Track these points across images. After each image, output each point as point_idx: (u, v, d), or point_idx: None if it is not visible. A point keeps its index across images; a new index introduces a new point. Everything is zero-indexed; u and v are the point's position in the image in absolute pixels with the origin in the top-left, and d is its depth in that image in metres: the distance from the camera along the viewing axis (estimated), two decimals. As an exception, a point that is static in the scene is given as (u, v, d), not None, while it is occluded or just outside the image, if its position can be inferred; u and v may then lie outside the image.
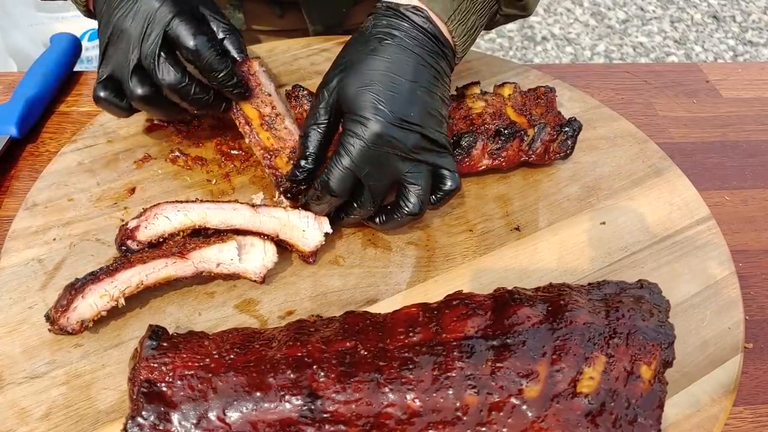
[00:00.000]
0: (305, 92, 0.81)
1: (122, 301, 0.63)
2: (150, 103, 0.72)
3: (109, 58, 0.72)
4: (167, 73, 0.69)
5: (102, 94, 0.72)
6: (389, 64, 0.67)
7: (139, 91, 0.70)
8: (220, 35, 0.78)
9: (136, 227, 0.67)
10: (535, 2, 0.77)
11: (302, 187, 0.70)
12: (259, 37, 1.06)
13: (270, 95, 0.78)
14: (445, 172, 0.69)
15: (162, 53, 0.69)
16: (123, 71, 0.71)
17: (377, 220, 0.71)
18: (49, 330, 0.62)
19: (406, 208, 0.68)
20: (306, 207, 0.70)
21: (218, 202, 0.70)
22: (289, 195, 0.71)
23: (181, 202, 0.69)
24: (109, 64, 0.72)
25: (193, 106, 0.73)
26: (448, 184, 0.69)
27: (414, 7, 0.69)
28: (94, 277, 0.62)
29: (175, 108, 0.74)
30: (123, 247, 0.67)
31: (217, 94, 0.74)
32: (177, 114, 0.76)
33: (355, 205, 0.69)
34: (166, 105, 0.73)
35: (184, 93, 0.71)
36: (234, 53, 0.79)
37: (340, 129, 0.68)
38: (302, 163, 0.69)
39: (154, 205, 0.69)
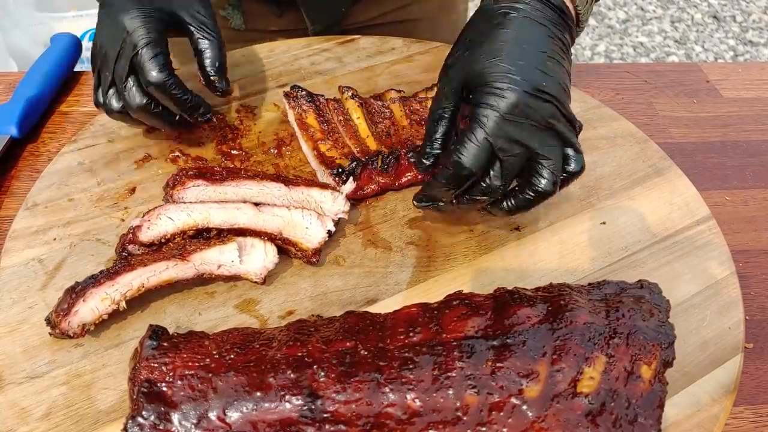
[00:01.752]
0: (303, 92, 0.82)
1: (123, 304, 0.63)
2: (125, 118, 0.77)
3: (96, 67, 0.76)
4: (132, 98, 0.73)
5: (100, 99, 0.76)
6: (518, 35, 0.64)
7: (113, 105, 0.75)
8: (201, 48, 0.76)
9: (139, 227, 0.67)
10: None
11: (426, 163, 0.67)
12: (259, 37, 1.06)
13: None
14: (571, 152, 0.65)
15: (129, 79, 0.72)
16: (103, 84, 0.75)
17: (505, 205, 0.66)
18: (50, 334, 0.62)
19: (540, 186, 0.63)
20: (428, 193, 0.68)
21: (221, 201, 0.70)
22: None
23: (185, 201, 0.70)
24: (98, 75, 0.76)
25: (162, 125, 0.77)
26: (573, 165, 0.65)
27: None
28: (94, 281, 0.62)
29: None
30: (124, 253, 0.67)
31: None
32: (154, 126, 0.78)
33: (484, 184, 0.64)
34: (138, 121, 0.77)
35: (151, 114, 0.74)
36: (207, 67, 0.76)
37: (467, 109, 0.65)
38: (429, 149, 0.66)
39: (157, 206, 0.69)
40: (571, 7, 0.69)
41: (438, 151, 0.66)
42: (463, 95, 0.66)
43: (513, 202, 0.66)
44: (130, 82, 0.72)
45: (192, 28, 0.76)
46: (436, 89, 0.69)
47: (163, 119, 0.76)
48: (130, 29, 0.71)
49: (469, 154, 0.62)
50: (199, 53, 0.76)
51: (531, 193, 0.64)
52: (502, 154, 0.62)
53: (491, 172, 0.63)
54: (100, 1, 0.77)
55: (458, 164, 0.62)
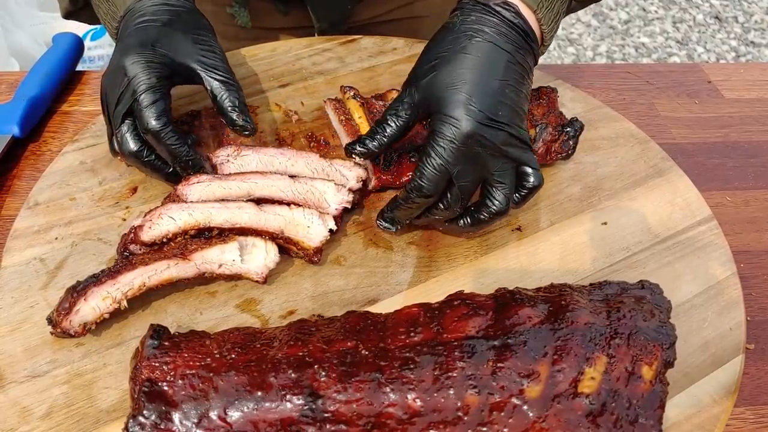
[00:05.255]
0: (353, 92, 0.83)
1: (125, 303, 0.63)
2: (132, 161, 0.75)
3: (104, 111, 0.75)
4: (125, 144, 0.72)
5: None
6: (480, 62, 0.66)
7: (115, 149, 0.74)
8: (216, 92, 0.74)
9: (140, 226, 0.67)
10: None
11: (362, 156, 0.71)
12: (265, 35, 1.06)
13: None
14: (528, 169, 0.68)
15: (123, 125, 0.71)
16: (107, 127, 0.75)
17: (461, 222, 0.70)
18: (51, 333, 0.62)
19: (494, 207, 0.67)
20: (387, 213, 0.71)
21: (222, 201, 0.70)
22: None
23: (186, 201, 0.70)
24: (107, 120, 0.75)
25: (155, 176, 0.75)
26: (531, 181, 0.68)
27: (504, 2, 0.69)
28: (96, 280, 0.62)
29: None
30: (125, 252, 0.67)
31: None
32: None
33: (442, 206, 0.68)
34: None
35: (143, 163, 0.73)
36: (228, 110, 0.74)
37: (424, 130, 0.68)
38: (368, 142, 0.69)
39: (158, 206, 0.69)
40: (536, 27, 0.71)
41: (375, 151, 0.70)
42: (420, 112, 0.69)
43: (469, 220, 0.69)
44: (124, 127, 0.71)
45: (202, 73, 0.74)
46: (397, 96, 0.71)
47: (156, 169, 0.73)
48: (130, 74, 0.70)
49: (427, 180, 0.65)
50: (214, 97, 0.74)
51: (485, 214, 0.68)
52: (458, 180, 0.66)
53: (448, 195, 0.67)
54: (115, 40, 0.77)
55: (419, 188, 0.66)
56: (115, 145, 0.73)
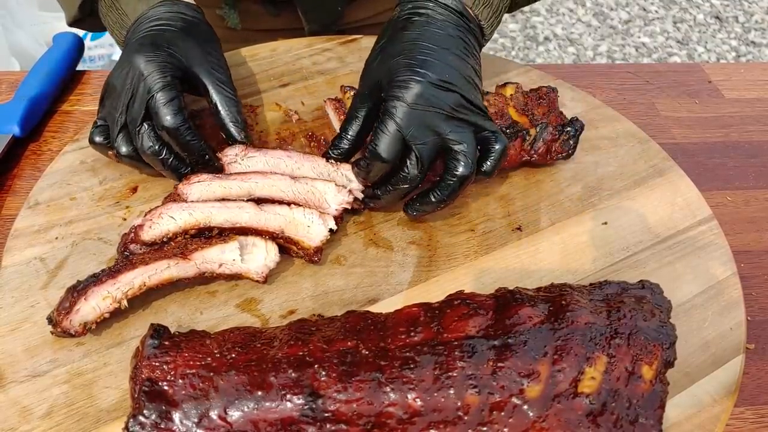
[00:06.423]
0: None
1: (125, 302, 0.63)
2: (133, 162, 0.74)
3: (104, 107, 0.75)
4: (146, 142, 0.71)
5: (97, 139, 0.75)
6: (419, 35, 0.69)
7: (123, 149, 0.73)
8: (222, 108, 0.76)
9: (141, 226, 0.67)
10: None
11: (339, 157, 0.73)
12: (255, 37, 1.06)
13: None
14: (489, 134, 0.69)
15: (144, 123, 0.71)
16: (112, 126, 0.74)
17: (431, 196, 0.69)
18: (52, 332, 0.62)
19: (457, 170, 0.67)
20: (364, 181, 0.73)
21: (223, 200, 0.70)
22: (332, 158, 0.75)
23: (186, 200, 0.70)
24: (103, 113, 0.75)
25: (170, 175, 0.74)
26: (497, 146, 0.69)
27: None
28: (96, 280, 0.62)
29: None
30: (126, 252, 0.67)
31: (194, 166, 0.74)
32: (160, 172, 0.75)
33: (403, 173, 0.68)
34: (149, 165, 0.74)
35: (161, 162, 0.72)
36: (231, 126, 0.76)
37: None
38: (337, 143, 0.72)
39: (159, 206, 0.69)
40: (475, 18, 0.74)
41: (347, 146, 0.72)
42: (375, 98, 0.70)
43: (438, 191, 0.69)
44: (145, 125, 0.71)
45: (210, 87, 0.75)
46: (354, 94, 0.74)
47: (173, 168, 0.73)
48: (145, 73, 0.71)
49: (382, 143, 0.66)
50: (218, 110, 0.76)
51: (451, 179, 0.68)
52: (414, 143, 0.66)
53: (408, 162, 0.67)
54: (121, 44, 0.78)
55: (374, 153, 0.67)
56: (124, 145, 0.72)
